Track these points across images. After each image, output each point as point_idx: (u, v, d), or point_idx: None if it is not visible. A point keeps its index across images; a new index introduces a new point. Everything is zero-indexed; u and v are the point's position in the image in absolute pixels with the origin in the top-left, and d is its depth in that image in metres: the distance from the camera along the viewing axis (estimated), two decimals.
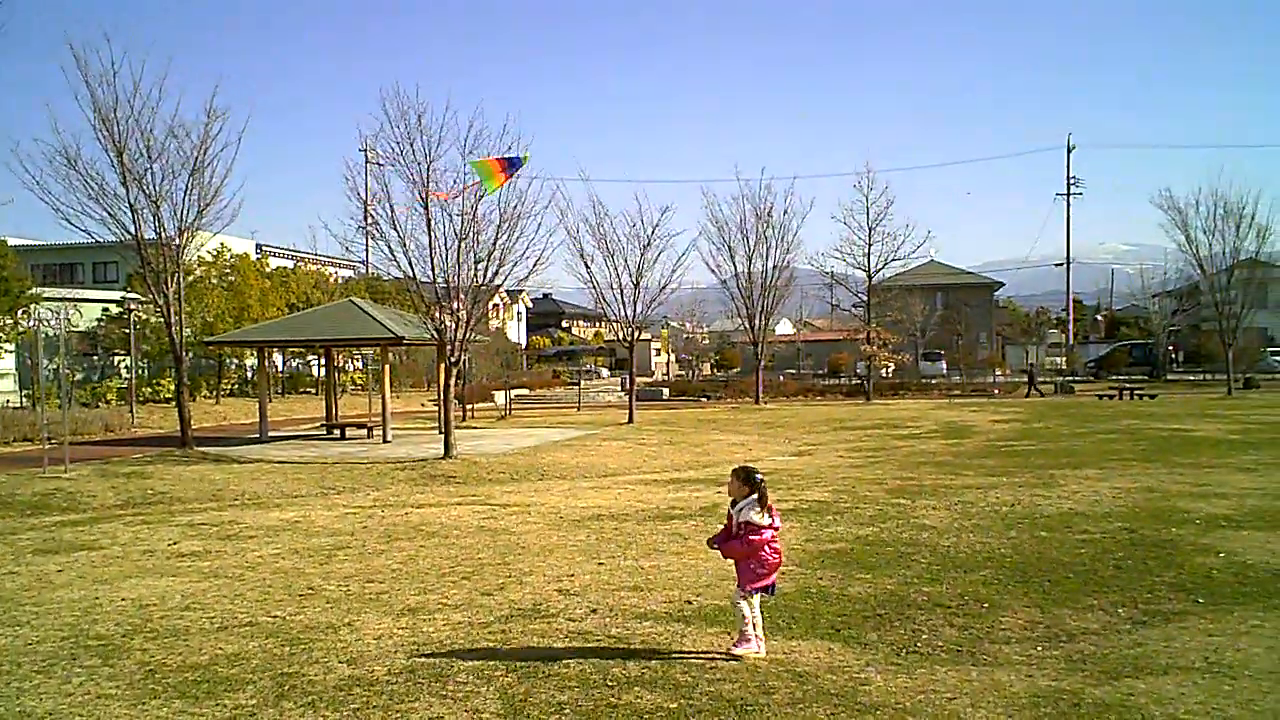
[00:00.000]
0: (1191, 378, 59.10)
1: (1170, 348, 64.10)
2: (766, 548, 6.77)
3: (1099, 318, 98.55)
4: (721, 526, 7.21)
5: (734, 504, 6.91)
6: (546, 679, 6.40)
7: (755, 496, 6.75)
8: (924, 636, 7.27)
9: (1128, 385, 46.67)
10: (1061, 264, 76.24)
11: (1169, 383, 55.45)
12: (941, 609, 8.06)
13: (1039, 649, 6.97)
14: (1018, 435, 25.54)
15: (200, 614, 8.46)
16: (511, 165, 22.60)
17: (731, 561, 6.97)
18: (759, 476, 6.85)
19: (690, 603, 8.41)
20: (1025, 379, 50.21)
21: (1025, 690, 6.06)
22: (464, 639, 7.43)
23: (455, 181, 22.32)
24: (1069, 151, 75.89)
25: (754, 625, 6.81)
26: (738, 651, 6.73)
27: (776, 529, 6.88)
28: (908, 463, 19.50)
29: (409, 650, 7.16)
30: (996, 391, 50.26)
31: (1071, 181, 75.64)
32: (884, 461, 20.01)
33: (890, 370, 55.59)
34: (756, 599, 6.86)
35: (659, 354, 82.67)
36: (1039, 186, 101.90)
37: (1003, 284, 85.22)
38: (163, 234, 24.03)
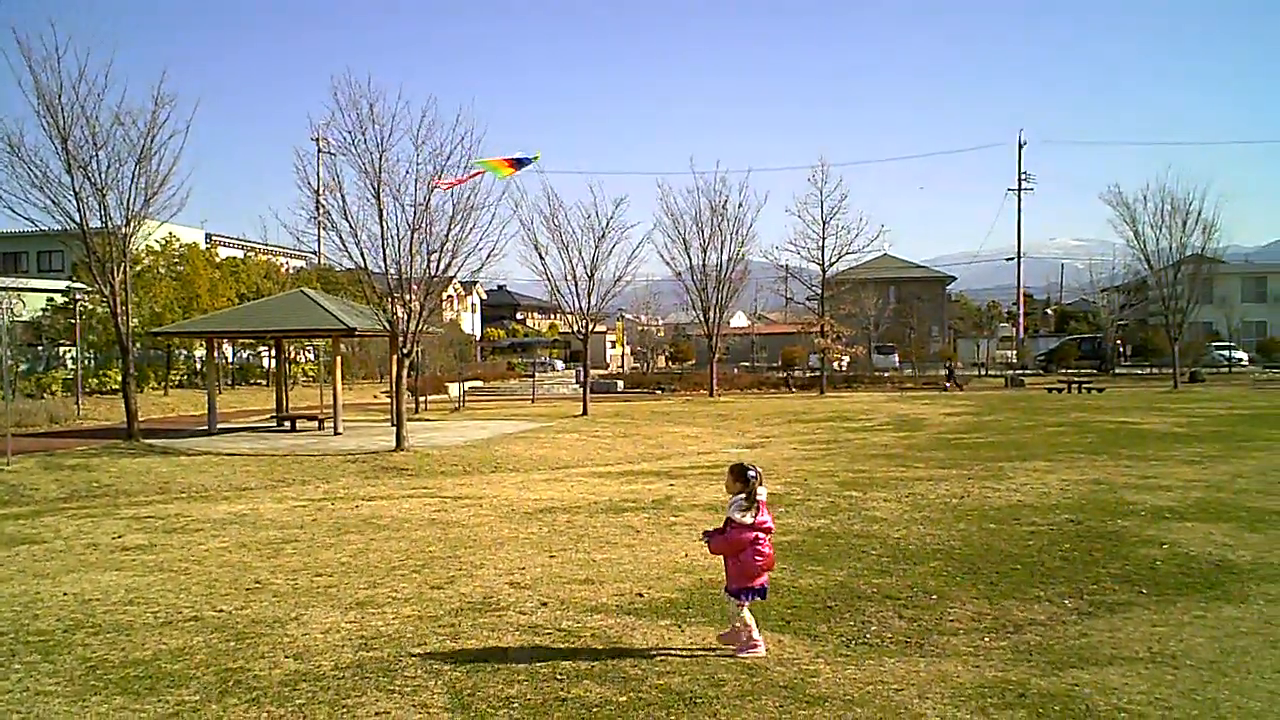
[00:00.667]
0: (1139, 371, 60.02)
1: (1118, 342, 65.03)
2: (750, 548, 6.59)
3: (1049, 312, 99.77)
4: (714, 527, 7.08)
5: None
6: (495, 673, 6.36)
7: (743, 495, 6.64)
8: (873, 628, 7.31)
9: (1076, 379, 47.29)
10: (1012, 258, 76.97)
11: (1117, 376, 56.23)
12: (891, 600, 8.10)
13: (986, 640, 7.03)
14: (968, 428, 25.76)
15: (144, 608, 8.33)
16: (519, 164, 22.60)
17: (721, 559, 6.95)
18: (752, 474, 6.70)
19: (641, 595, 8.40)
20: (945, 373, 50.93)
21: (972, 681, 6.10)
22: (413, 633, 7.36)
23: (408, 173, 22.14)
24: (1020, 147, 76.56)
25: (754, 628, 6.71)
26: (744, 655, 6.59)
27: (768, 530, 6.68)
28: (860, 455, 19.61)
29: (357, 645, 7.09)
30: (948, 385, 50.70)
31: (1023, 177, 76.35)
32: (836, 454, 20.10)
33: (846, 363, 55.96)
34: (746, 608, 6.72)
35: (614, 346, 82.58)
36: (991, 182, 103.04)
37: (955, 278, 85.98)
38: (109, 223, 23.58)
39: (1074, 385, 43.87)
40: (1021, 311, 79.69)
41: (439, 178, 22.17)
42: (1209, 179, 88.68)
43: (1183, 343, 47.55)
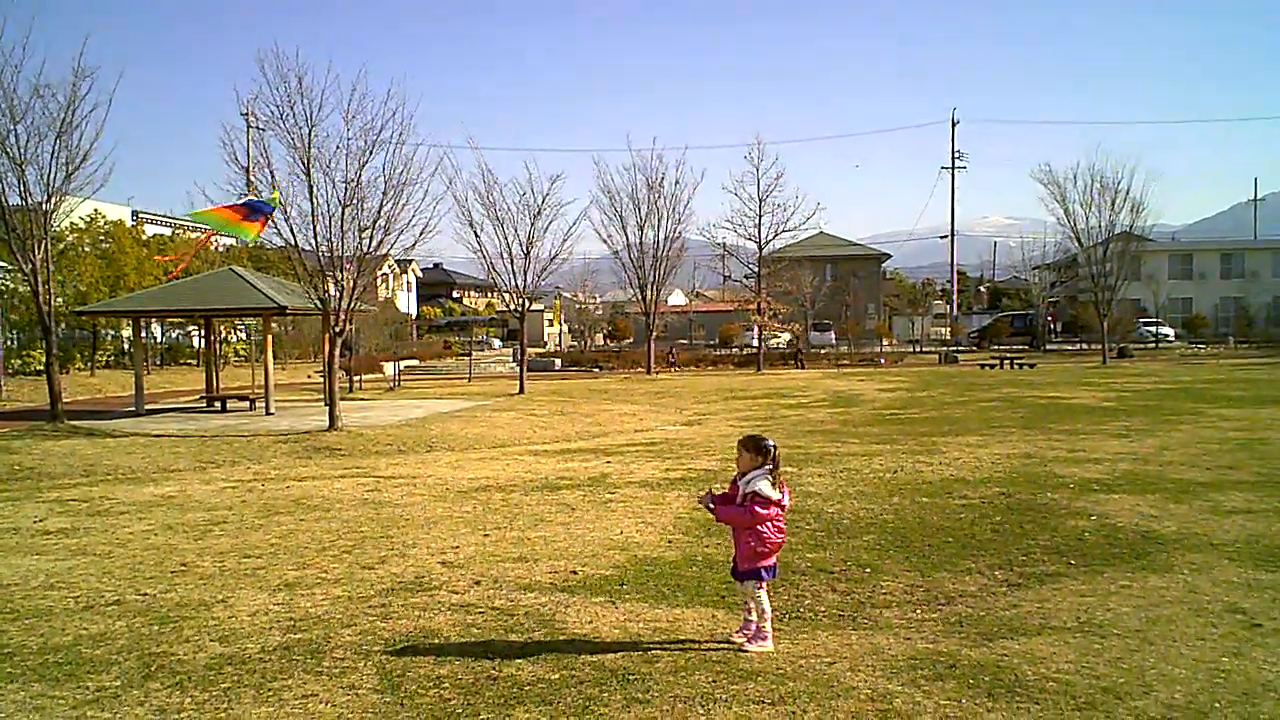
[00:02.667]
0: (1069, 347, 61.16)
1: (1049, 318, 66.19)
2: (769, 524, 6.19)
3: (982, 289, 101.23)
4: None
5: (742, 475, 6.32)
6: (426, 653, 6.28)
7: (768, 467, 6.22)
8: (806, 602, 7.32)
9: (1009, 355, 48.00)
10: (946, 236, 77.93)
11: (1048, 352, 57.25)
12: (825, 574, 8.13)
13: (918, 612, 7.07)
14: (903, 404, 26.02)
15: (65, 593, 8.11)
16: (255, 211, 22.20)
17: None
18: (770, 444, 6.29)
19: (575, 573, 8.34)
20: (795, 352, 51.59)
21: (904, 653, 6.12)
22: (342, 614, 7.24)
23: (338, 148, 21.77)
24: (953, 126, 77.44)
25: (769, 619, 6.33)
26: (752, 648, 6.19)
27: (784, 507, 6.30)
28: (795, 431, 19.71)
29: (284, 626, 6.96)
30: (883, 361, 51.22)
31: (956, 156, 77.26)
32: (772, 430, 20.16)
33: (787, 340, 56.28)
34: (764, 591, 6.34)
35: (551, 324, 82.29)
36: (925, 161, 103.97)
37: (890, 256, 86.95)
38: (29, 199, 22.94)
39: (1006, 361, 44.54)
40: (955, 289, 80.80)
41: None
42: (1137, 158, 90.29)
43: (1112, 319, 48.47)
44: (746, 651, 6.16)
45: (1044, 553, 8.72)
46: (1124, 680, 5.58)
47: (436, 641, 6.52)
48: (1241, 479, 12.25)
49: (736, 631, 6.42)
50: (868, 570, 8.27)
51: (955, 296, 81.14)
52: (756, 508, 6.15)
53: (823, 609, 7.18)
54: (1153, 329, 61.77)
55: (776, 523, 6.24)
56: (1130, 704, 5.24)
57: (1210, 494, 11.25)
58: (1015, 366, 43.17)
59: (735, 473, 6.41)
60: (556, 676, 5.78)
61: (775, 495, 6.20)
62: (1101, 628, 6.56)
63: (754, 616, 6.31)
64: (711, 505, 6.39)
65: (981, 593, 7.54)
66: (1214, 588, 7.46)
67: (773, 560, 6.34)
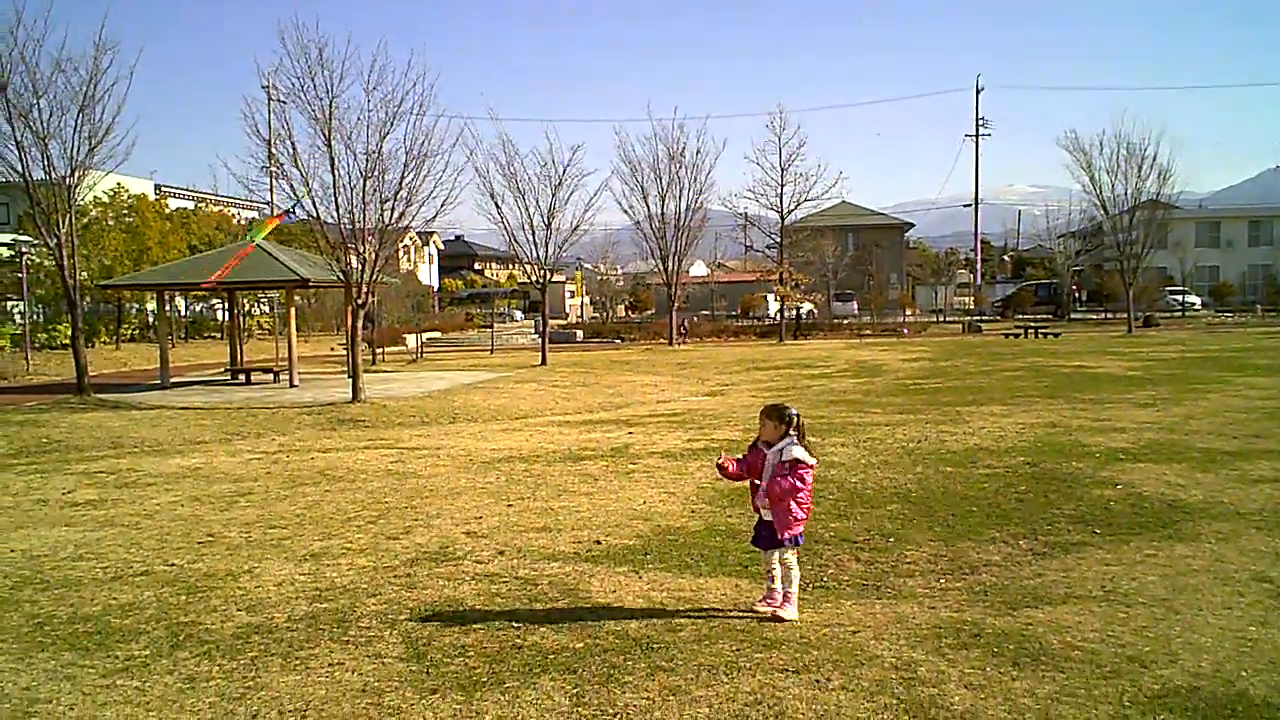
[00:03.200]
0: (1094, 316, 60.73)
1: (1074, 287, 65.72)
2: (807, 490, 6.22)
3: (1006, 258, 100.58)
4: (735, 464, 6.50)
5: (767, 446, 6.31)
6: (451, 622, 6.32)
7: (795, 434, 6.21)
8: (830, 571, 7.32)
9: (1033, 324, 47.75)
10: (970, 205, 77.34)
11: (1072, 321, 56.88)
12: (848, 544, 8.12)
13: (942, 581, 7.06)
14: (926, 374, 25.92)
15: (94, 564, 8.19)
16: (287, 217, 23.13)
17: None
18: (794, 412, 6.29)
19: (599, 543, 8.36)
20: (793, 319, 51.36)
21: (927, 622, 6.12)
22: (368, 584, 7.29)
23: (359, 119, 21.76)
24: (978, 93, 76.73)
25: (796, 585, 6.37)
26: (785, 614, 6.19)
27: (813, 467, 6.30)
28: (818, 401, 19.67)
29: (310, 596, 7.01)
30: (906, 331, 51.02)
31: (980, 123, 76.59)
32: (795, 400, 20.01)
33: (806, 311, 56.15)
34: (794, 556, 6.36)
35: (573, 296, 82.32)
36: (949, 128, 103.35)
37: (913, 225, 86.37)
38: (52, 173, 23.04)
39: (1030, 330, 44.30)
40: (979, 258, 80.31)
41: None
42: (1163, 125, 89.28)
43: (1137, 287, 48.01)
44: (780, 619, 6.16)
45: (1069, 522, 8.68)
46: (1150, 649, 5.56)
47: (461, 611, 6.56)
48: (1269, 448, 12.15)
49: (761, 600, 6.41)
50: (891, 539, 8.25)
51: (979, 266, 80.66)
52: (803, 473, 6.15)
53: (846, 578, 7.18)
54: (1179, 297, 61.22)
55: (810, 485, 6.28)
56: (1156, 672, 5.22)
57: (1237, 463, 11.17)
58: (1040, 336, 42.91)
59: (759, 440, 6.38)
60: (581, 645, 5.80)
61: (812, 460, 6.23)
62: (1127, 596, 6.53)
63: (782, 584, 6.31)
64: (730, 472, 6.42)
65: (1006, 562, 7.52)
66: (1241, 556, 7.42)
67: (802, 526, 6.35)
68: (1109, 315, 58.28)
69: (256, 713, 5.06)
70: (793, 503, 6.15)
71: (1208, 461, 11.28)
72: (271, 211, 21.79)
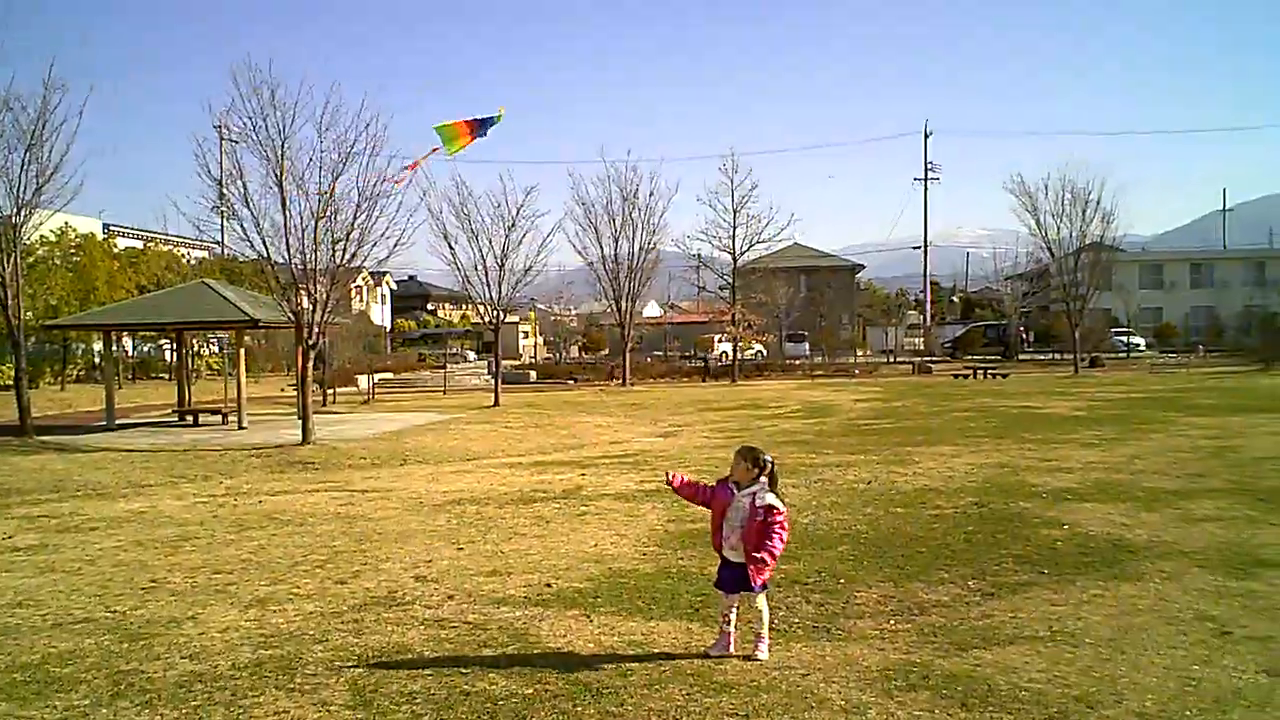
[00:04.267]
0: (1041, 357, 61.46)
1: (1022, 328, 66.57)
2: (781, 535, 6.24)
3: (955, 299, 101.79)
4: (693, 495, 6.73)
5: (737, 485, 6.37)
6: (399, 668, 6.24)
7: (766, 480, 6.29)
8: (781, 613, 7.31)
9: (982, 365, 48.27)
10: (919, 247, 78.30)
11: (1020, 362, 57.56)
12: (799, 585, 8.13)
13: (892, 623, 7.08)
14: (877, 414, 26.11)
15: (33, 610, 8.02)
16: (483, 125, 22.85)
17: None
18: (768, 458, 6.37)
19: (549, 586, 8.31)
20: (703, 363, 52.22)
21: (877, 664, 6.13)
22: (315, 630, 7.19)
23: (311, 160, 21.69)
24: (926, 137, 77.93)
25: (768, 625, 6.44)
26: (759, 655, 6.22)
27: (785, 512, 6.35)
28: (770, 442, 19.70)
29: (256, 643, 6.90)
30: (858, 372, 51.39)
31: (929, 167, 77.71)
32: (748, 441, 20.18)
33: (755, 352, 56.39)
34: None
35: (526, 337, 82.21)
36: (899, 172, 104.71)
37: (864, 266, 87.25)
38: None
39: (979, 371, 44.79)
40: (929, 299, 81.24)
41: (388, 176, 22.38)
42: (1107, 169, 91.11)
43: (1083, 329, 48.78)
44: (754, 659, 6.19)
45: (1016, 562, 8.75)
46: (1096, 689, 5.61)
47: (409, 657, 6.48)
48: (1212, 486, 12.35)
49: (714, 645, 6.39)
50: (842, 581, 8.28)
51: (929, 307, 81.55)
52: (778, 519, 6.20)
53: (797, 620, 7.18)
54: (1124, 338, 62.17)
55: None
56: (1102, 713, 5.27)
57: (1181, 502, 11.34)
58: (988, 376, 43.39)
59: (729, 479, 6.44)
60: (530, 691, 5.76)
61: (784, 507, 6.29)
62: (1073, 636, 6.59)
63: (763, 620, 6.37)
64: (674, 484, 6.64)
65: (955, 602, 7.56)
66: (1185, 595, 7.51)
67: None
68: (1056, 356, 59.01)
69: None
70: (768, 551, 6.16)
71: (1152, 500, 11.44)
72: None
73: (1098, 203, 46.66)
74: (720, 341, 56.89)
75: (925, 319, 79.69)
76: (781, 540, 6.22)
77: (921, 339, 73.58)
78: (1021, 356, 61.75)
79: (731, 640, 6.36)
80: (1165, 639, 6.49)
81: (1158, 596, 7.51)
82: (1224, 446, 16.27)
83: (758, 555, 6.15)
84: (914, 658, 6.24)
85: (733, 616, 6.38)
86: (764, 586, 6.35)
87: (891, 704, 5.45)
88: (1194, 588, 7.73)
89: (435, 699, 5.68)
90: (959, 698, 5.52)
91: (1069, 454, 15.92)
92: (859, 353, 60.20)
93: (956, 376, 44.38)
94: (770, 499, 6.23)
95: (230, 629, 7.28)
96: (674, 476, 6.64)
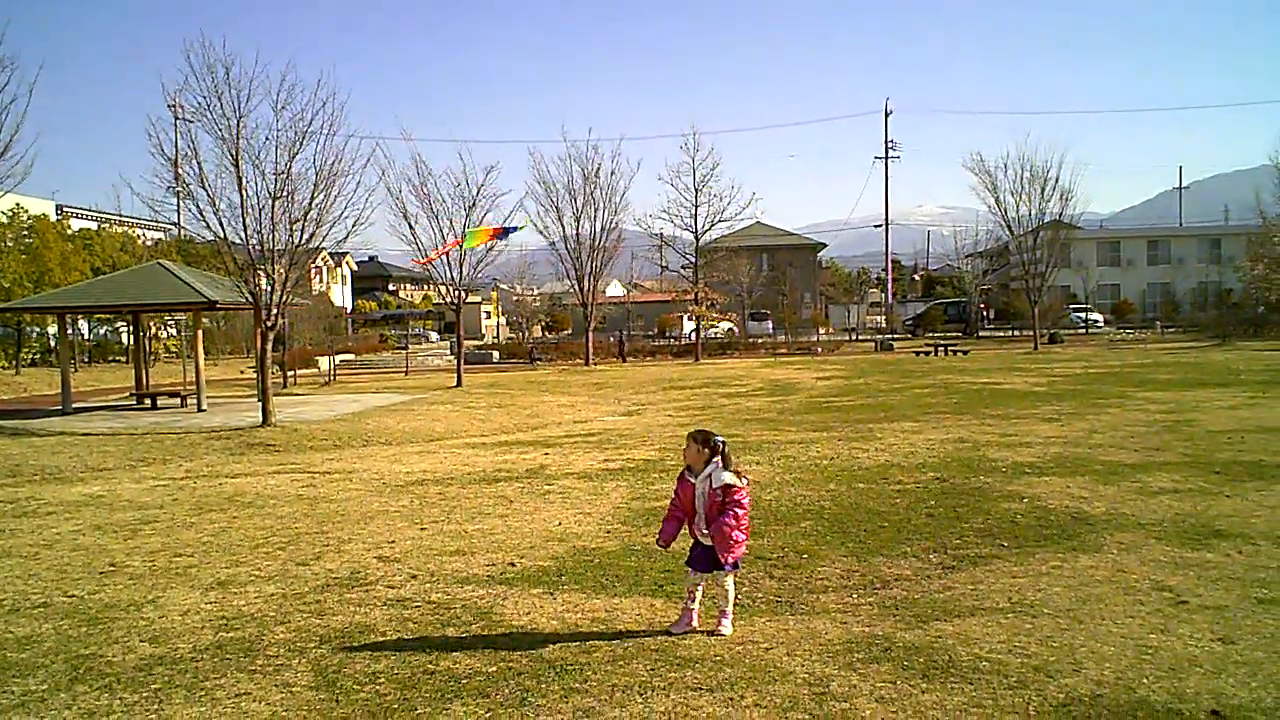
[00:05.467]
0: (1001, 334, 62.11)
1: (982, 306, 67.16)
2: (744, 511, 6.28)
3: (916, 277, 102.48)
4: (668, 512, 6.58)
5: (691, 473, 6.36)
6: (362, 649, 6.21)
7: (719, 459, 6.27)
8: (744, 589, 7.33)
9: (943, 342, 48.70)
10: (880, 225, 78.62)
11: (981, 339, 58.12)
12: (762, 561, 8.16)
13: (854, 597, 7.12)
14: (839, 392, 26.24)
15: None
16: (506, 232, 23.52)
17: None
18: (719, 439, 6.33)
19: (513, 565, 8.30)
20: (528, 357, 52.06)
21: (840, 637, 6.17)
22: (276, 611, 7.14)
23: (267, 139, 21.43)
24: (887, 116, 78.11)
25: (733, 602, 6.48)
26: (723, 630, 6.25)
27: (746, 488, 6.36)
28: (733, 420, 19.79)
29: (217, 626, 6.85)
30: (820, 350, 51.63)
31: (889, 145, 77.95)
32: (710, 419, 20.26)
33: (727, 330, 56.56)
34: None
35: (489, 317, 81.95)
36: (860, 150, 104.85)
37: (825, 245, 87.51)
38: None
39: (940, 348, 45.14)
40: (890, 278, 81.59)
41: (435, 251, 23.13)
42: (1066, 148, 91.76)
43: (1042, 305, 49.26)
44: (718, 634, 6.21)
45: (977, 535, 8.83)
46: (1055, 659, 5.67)
47: (372, 637, 6.45)
48: (1168, 460, 12.51)
49: (677, 623, 6.40)
50: (805, 556, 8.32)
51: (890, 285, 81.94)
52: (738, 496, 6.22)
53: (760, 595, 7.21)
54: (1082, 315, 62.86)
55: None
56: (1061, 681, 5.33)
57: (1138, 475, 11.47)
58: (949, 353, 43.74)
59: (685, 470, 6.43)
60: (494, 669, 5.75)
61: (742, 483, 6.29)
62: (1033, 607, 6.66)
63: (730, 597, 6.39)
64: (665, 542, 6.54)
65: (916, 576, 7.62)
66: (1142, 566, 7.61)
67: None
68: (1015, 333, 59.64)
69: None
70: (735, 529, 6.18)
71: (1110, 474, 11.57)
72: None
73: (1056, 181, 47.11)
74: (687, 320, 56.92)
75: (887, 297, 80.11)
76: (737, 517, 6.19)
77: (883, 317, 74.02)
78: (982, 333, 62.33)
79: (694, 616, 6.39)
80: (1123, 609, 6.57)
81: (1115, 568, 7.60)
82: (1180, 420, 16.48)
83: (707, 530, 6.19)
84: (876, 630, 6.28)
85: (698, 594, 6.41)
86: (735, 565, 6.36)
87: (854, 676, 5.48)
88: (1151, 559, 7.83)
89: (398, 678, 5.66)
90: (920, 669, 5.57)
91: (1029, 429, 16.07)
92: (821, 331, 60.48)
93: (918, 354, 44.68)
94: (726, 477, 6.22)
95: (191, 612, 7.22)
96: (663, 539, 6.56)
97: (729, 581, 6.41)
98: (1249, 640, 5.91)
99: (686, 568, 6.50)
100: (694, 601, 6.39)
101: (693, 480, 6.34)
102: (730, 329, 58.02)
